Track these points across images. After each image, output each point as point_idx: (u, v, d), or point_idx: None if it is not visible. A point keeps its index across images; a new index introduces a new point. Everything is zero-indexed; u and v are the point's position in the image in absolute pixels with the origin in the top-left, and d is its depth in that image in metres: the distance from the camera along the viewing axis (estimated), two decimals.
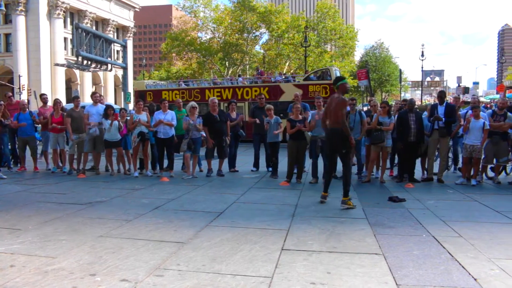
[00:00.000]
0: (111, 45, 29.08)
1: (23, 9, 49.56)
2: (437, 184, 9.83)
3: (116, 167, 11.48)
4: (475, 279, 4.05)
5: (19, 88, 44.03)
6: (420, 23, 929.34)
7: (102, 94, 52.48)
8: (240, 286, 3.87)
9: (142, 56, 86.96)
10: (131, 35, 67.80)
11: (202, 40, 55.03)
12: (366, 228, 5.86)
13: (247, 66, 55.01)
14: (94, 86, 57.20)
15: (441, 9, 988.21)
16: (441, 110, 10.03)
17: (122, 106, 22.03)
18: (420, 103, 47.35)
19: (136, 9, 68.44)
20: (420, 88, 65.97)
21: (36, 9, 49.65)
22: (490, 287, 3.89)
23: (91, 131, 10.94)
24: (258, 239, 5.31)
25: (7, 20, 51.30)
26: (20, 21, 49.53)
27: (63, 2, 51.41)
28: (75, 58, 25.90)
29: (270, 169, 10.94)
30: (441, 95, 10.60)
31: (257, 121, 11.28)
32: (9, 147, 12.37)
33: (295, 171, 10.04)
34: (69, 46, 52.73)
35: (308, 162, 10.47)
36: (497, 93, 46.27)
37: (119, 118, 11.12)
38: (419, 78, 66.76)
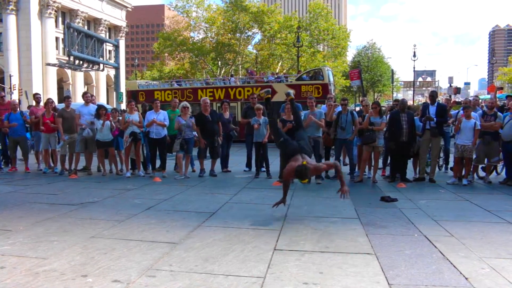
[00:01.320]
0: (103, 44, 28.90)
1: (14, 8, 49.17)
2: (429, 184, 9.89)
3: (108, 168, 11.43)
4: (466, 278, 4.08)
5: (10, 87, 43.69)
6: (413, 23, 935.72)
7: (94, 94, 52.10)
8: (232, 287, 3.86)
9: (134, 56, 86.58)
10: (123, 34, 67.50)
11: (194, 40, 54.83)
12: (358, 228, 5.88)
13: (240, 66, 54.96)
14: (86, 86, 56.88)
15: (434, 9, 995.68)
16: (432, 110, 10.09)
17: (114, 106, 21.90)
18: (412, 103, 47.55)
19: (128, 9, 68.14)
20: (412, 88, 66.33)
21: (27, 8, 49.28)
22: (481, 286, 3.92)
23: (84, 133, 10.88)
24: (250, 239, 5.31)
25: None
26: (11, 20, 49.13)
27: (54, 1, 51.06)
28: (67, 58, 25.68)
29: (263, 169, 10.92)
30: (433, 95, 10.66)
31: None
32: (0, 147, 12.26)
33: None
34: (61, 45, 52.36)
35: None
36: (488, 94, 46.62)
37: (111, 118, 11.07)
38: (411, 78, 67.05)
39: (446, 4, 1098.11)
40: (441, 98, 18.90)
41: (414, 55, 52.47)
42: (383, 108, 12.58)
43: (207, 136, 10.73)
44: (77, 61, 24.57)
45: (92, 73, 54.78)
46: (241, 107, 22.94)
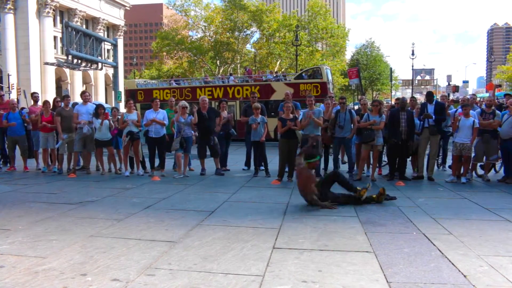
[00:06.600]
0: (101, 43, 28.84)
1: (12, 7, 49.05)
2: (428, 182, 9.90)
3: (107, 167, 11.42)
4: (464, 276, 4.08)
5: (8, 87, 43.62)
6: (414, 22, 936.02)
7: (93, 93, 52.21)
8: (231, 285, 3.87)
9: (133, 55, 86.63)
10: (122, 33, 67.39)
11: (193, 39, 54.81)
12: (357, 226, 5.89)
13: (238, 65, 54.94)
14: (84, 85, 56.83)
15: (435, 8, 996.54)
16: (430, 109, 10.09)
17: (113, 105, 21.90)
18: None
19: (127, 8, 68.02)
20: (411, 87, 66.34)
21: (25, 7, 49.17)
22: (479, 283, 3.93)
23: (84, 130, 10.86)
24: (249, 237, 5.32)
25: None
26: (9, 19, 49.02)
27: (52, 0, 50.93)
28: (65, 57, 25.69)
29: (262, 168, 10.91)
30: (429, 95, 10.62)
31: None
32: None
33: (286, 169, 10.05)
34: (59, 44, 52.38)
35: None
36: (486, 92, 46.64)
37: (110, 117, 11.07)
38: (410, 76, 67.02)
39: (447, 2, 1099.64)
40: (438, 97, 18.83)
41: (413, 54, 52.47)
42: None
43: (204, 134, 10.73)
44: (75, 60, 24.54)
45: (91, 72, 54.78)
46: (240, 106, 22.97)
